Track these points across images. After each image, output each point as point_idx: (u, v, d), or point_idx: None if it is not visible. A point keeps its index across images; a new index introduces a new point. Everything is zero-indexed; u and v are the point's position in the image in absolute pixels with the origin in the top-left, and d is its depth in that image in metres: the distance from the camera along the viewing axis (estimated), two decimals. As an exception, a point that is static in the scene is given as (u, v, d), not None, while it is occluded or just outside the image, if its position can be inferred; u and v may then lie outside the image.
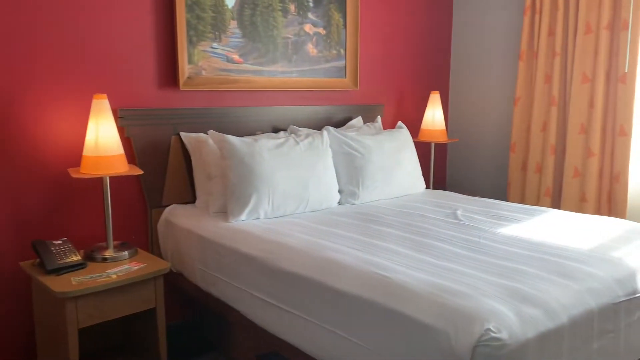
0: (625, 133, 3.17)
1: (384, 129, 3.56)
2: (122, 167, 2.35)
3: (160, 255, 2.73)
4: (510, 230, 2.33)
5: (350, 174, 2.94)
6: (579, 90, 3.34)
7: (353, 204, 2.91)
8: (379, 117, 3.51)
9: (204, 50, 2.91)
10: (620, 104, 3.19)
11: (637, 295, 1.80)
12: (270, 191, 2.56)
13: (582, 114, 3.35)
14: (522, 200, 3.69)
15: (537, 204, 3.58)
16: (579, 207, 3.37)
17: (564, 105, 3.48)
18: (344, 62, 3.52)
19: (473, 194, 3.88)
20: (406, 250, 2.02)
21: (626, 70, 3.15)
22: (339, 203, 2.90)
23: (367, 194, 2.95)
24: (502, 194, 3.89)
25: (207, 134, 2.82)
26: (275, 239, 2.22)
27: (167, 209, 2.78)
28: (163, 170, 2.82)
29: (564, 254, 1.96)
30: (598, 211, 3.33)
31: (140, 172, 2.43)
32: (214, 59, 2.95)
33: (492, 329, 1.40)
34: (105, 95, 2.32)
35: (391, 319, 1.60)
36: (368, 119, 3.62)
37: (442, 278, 1.71)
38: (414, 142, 3.34)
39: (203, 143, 2.75)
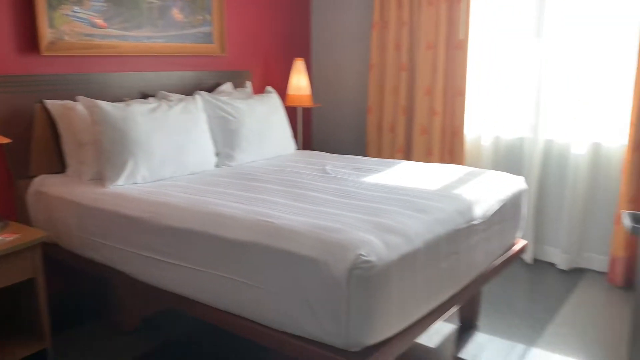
0: (462, 94, 3.67)
1: (254, 94, 3.71)
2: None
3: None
4: (372, 179, 2.65)
5: (226, 137, 3.06)
6: (424, 56, 3.78)
7: (230, 166, 3.04)
8: (248, 82, 3.65)
9: (66, 14, 2.80)
10: (457, 68, 3.68)
11: (473, 222, 2.20)
12: (146, 156, 2.60)
13: (426, 78, 3.80)
14: (379, 156, 4.10)
15: (391, 159, 4.00)
16: (427, 160, 3.85)
17: (412, 70, 3.90)
18: (210, 28, 3.58)
19: (337, 152, 4.22)
20: (285, 201, 2.23)
21: (461, 38, 3.62)
22: (216, 165, 3.02)
23: (243, 156, 3.10)
24: (362, 152, 4.27)
25: (74, 100, 2.74)
26: (158, 199, 2.30)
27: (37, 179, 2.69)
28: (27, 140, 2.70)
29: (416, 194, 2.31)
30: (442, 162, 3.83)
31: (6, 140, 2.33)
32: (76, 23, 2.86)
33: (363, 254, 1.66)
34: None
35: (279, 258, 1.80)
36: (237, 84, 3.73)
37: (319, 219, 1.94)
38: (284, 106, 3.54)
39: (71, 110, 2.68)
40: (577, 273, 3.42)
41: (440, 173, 2.75)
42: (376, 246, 1.73)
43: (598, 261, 3.42)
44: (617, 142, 3.27)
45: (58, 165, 2.78)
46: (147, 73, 3.23)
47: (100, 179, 2.59)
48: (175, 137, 2.74)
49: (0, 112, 2.58)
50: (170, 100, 2.94)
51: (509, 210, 2.51)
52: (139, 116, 2.63)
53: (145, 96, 3.17)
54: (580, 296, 3.10)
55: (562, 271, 3.45)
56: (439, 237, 1.98)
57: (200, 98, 3.03)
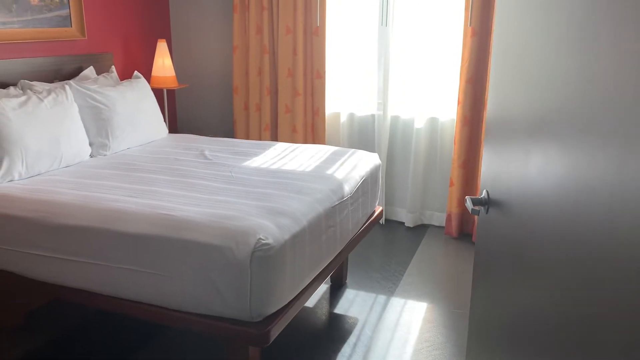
0: (321, 76, 4.03)
1: (120, 79, 3.68)
2: None
3: None
4: (252, 163, 2.91)
5: (99, 126, 3.07)
6: (284, 40, 4.05)
7: (105, 155, 3.07)
8: (113, 67, 3.62)
9: None
10: (315, 53, 4.02)
11: (344, 199, 2.59)
12: (21, 152, 2.56)
13: (288, 61, 4.09)
14: (247, 135, 4.34)
15: (259, 137, 4.27)
16: (292, 137, 4.19)
17: (274, 53, 4.16)
18: (67, 10, 3.46)
19: (205, 134, 4.37)
20: (178, 191, 2.40)
21: (317, 24, 3.95)
22: (91, 155, 3.03)
23: (117, 144, 3.14)
24: (229, 131, 4.47)
25: None
26: (47, 198, 2.32)
27: None
28: None
29: (295, 177, 2.63)
30: (305, 139, 4.19)
31: None
32: None
33: (262, 237, 1.94)
34: None
35: (184, 247, 2.00)
36: (100, 68, 3.67)
37: (216, 208, 2.17)
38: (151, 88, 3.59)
39: None
40: (421, 229, 4.06)
41: (310, 154, 3.09)
42: (271, 229, 2.02)
43: (437, 217, 4.09)
44: (449, 116, 3.90)
45: None
46: (4, 61, 3.07)
47: (-30, 178, 2.50)
48: (49, 131, 2.72)
49: None
50: (41, 92, 2.87)
51: (369, 184, 2.95)
52: (10, 112, 2.57)
53: (5, 86, 3.03)
54: (425, 249, 3.73)
55: (409, 228, 4.07)
56: (319, 215, 2.33)
57: (70, 88, 2.98)
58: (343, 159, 3.00)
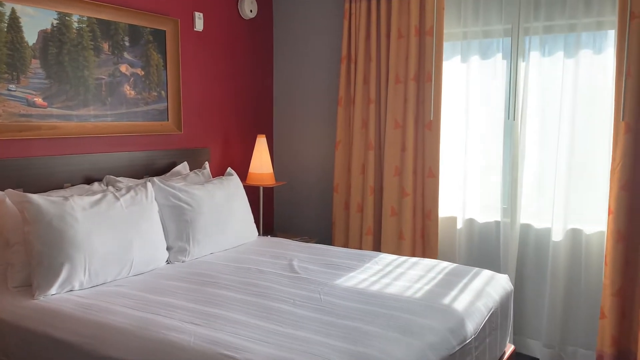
0: (433, 174, 3.49)
1: (213, 175, 3.42)
2: None
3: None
4: (346, 280, 2.37)
5: (180, 228, 2.73)
6: (392, 135, 3.60)
7: (183, 262, 2.70)
8: (206, 163, 3.36)
9: (-2, 93, 2.48)
10: (427, 148, 3.51)
11: (467, 342, 1.93)
12: (86, 258, 2.24)
13: (395, 157, 3.61)
14: (346, 238, 3.84)
15: (360, 242, 3.75)
16: (398, 244, 3.61)
17: (380, 148, 3.72)
18: (165, 104, 3.31)
19: (302, 234, 3.94)
20: (249, 319, 1.90)
21: (431, 118, 3.48)
22: (168, 262, 2.67)
23: (199, 249, 2.77)
24: (327, 233, 4.00)
25: (3, 192, 2.38)
26: (96, 318, 1.93)
27: (-49, 285, 2.27)
28: (-57, 237, 2.30)
29: (401, 307, 2.04)
30: (414, 246, 3.59)
31: None
32: (11, 102, 2.53)
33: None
34: None
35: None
36: (194, 163, 3.44)
37: (290, 350, 1.63)
38: (242, 185, 3.26)
39: (1, 202, 2.31)
40: (562, 369, 3.18)
41: (420, 272, 2.50)
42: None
43: (584, 356, 3.19)
44: (597, 228, 3.13)
45: (-20, 266, 2.37)
46: (93, 155, 2.91)
47: (28, 286, 2.20)
48: (121, 233, 2.40)
49: None
50: (119, 189, 2.61)
51: (498, 317, 2.26)
52: (80, 212, 2.29)
53: (90, 181, 2.84)
54: (570, 400, 2.85)
55: (546, 367, 3.21)
56: (431, 368, 1.70)
57: (151, 185, 2.71)
58: (463, 281, 2.36)
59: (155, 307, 2.02)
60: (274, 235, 3.77)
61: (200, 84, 3.58)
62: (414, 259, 2.71)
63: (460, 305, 2.10)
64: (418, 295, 2.18)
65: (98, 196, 2.44)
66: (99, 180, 2.86)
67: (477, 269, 2.55)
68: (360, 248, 3.71)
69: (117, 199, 2.48)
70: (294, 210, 4.22)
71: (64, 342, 1.86)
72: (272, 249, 2.93)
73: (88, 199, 2.38)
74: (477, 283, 2.35)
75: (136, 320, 1.89)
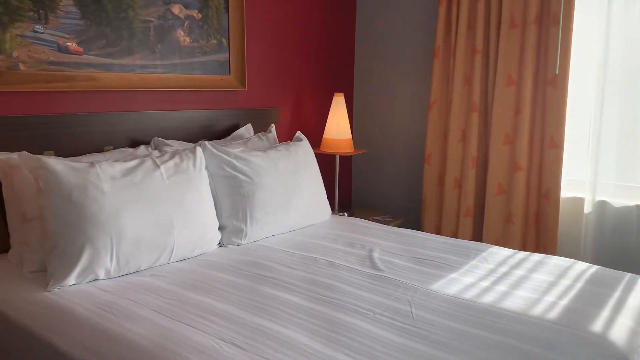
0: (556, 145, 2.74)
1: (280, 140, 2.88)
2: None
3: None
4: (446, 285, 1.75)
5: (235, 204, 2.22)
6: (502, 93, 2.87)
7: (239, 245, 2.19)
8: (273, 125, 2.82)
9: (22, 35, 2.04)
10: (549, 111, 2.76)
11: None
12: (113, 240, 1.77)
13: (506, 122, 2.89)
14: (439, 220, 3.19)
15: (456, 225, 3.09)
16: (504, 229, 2.92)
17: (486, 110, 3.00)
18: (226, 54, 2.78)
19: (384, 212, 3.33)
20: (311, 340, 1.35)
21: (557, 72, 2.71)
22: (220, 244, 2.18)
23: (257, 230, 2.24)
24: (415, 213, 3.37)
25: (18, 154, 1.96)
26: (112, 327, 1.45)
27: (-35, 264, 1.90)
28: (-44, 208, 1.93)
29: (528, 332, 1.40)
30: (525, 233, 2.89)
31: None
32: (37, 47, 2.09)
33: None
34: None
35: None
36: (259, 126, 2.91)
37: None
38: (315, 153, 2.69)
39: (15, 169, 1.89)
40: None
41: (546, 275, 1.83)
42: None
43: None
44: None
45: (4, 240, 1.98)
46: (139, 113, 2.44)
47: (46, 271, 1.77)
48: (160, 210, 1.92)
49: None
50: (163, 154, 2.13)
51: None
52: (107, 182, 1.82)
53: (135, 144, 2.39)
54: None
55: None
56: None
57: (201, 150, 2.20)
58: (615, 294, 1.67)
59: (189, 313, 1.52)
60: (350, 213, 3.19)
61: (268, 31, 3.01)
62: (538, 257, 2.03)
63: (619, 335, 1.43)
64: (552, 315, 1.52)
65: (133, 162, 1.95)
66: (147, 143, 2.41)
67: (629, 275, 1.84)
68: (457, 232, 3.05)
69: (157, 166, 1.99)
70: (376, 183, 3.61)
71: (64, 354, 1.39)
72: (348, 233, 2.35)
73: (120, 166, 1.90)
74: (636, 298, 1.65)
75: (160, 334, 1.39)
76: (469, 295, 1.67)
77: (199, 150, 2.18)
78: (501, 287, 1.74)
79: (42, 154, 2.08)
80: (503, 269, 1.90)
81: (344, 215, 3.11)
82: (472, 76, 2.99)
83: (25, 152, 1.84)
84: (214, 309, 1.54)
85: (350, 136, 3.11)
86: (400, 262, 1.96)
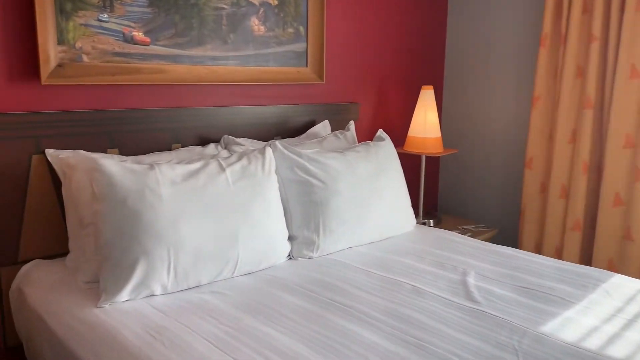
0: (694, 150, 2.27)
1: (359, 139, 2.61)
2: None
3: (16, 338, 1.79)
4: (561, 327, 1.41)
5: (307, 212, 1.97)
6: (624, 87, 2.43)
7: (310, 258, 1.95)
8: (351, 122, 2.55)
9: (86, 25, 1.90)
10: (686, 110, 2.29)
11: None
12: (170, 252, 1.58)
13: (628, 121, 2.44)
14: (540, 233, 2.79)
15: (561, 240, 2.68)
16: (621, 247, 2.48)
17: (602, 107, 2.56)
18: (304, 44, 2.54)
19: (475, 221, 2.97)
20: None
21: (697, 62, 2.23)
22: (289, 256, 1.94)
23: (331, 242, 1.99)
24: (512, 224, 2.98)
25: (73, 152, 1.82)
26: (160, 353, 1.25)
27: (25, 267, 1.80)
28: (19, 207, 1.82)
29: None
30: (648, 254, 2.44)
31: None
32: (102, 37, 1.95)
33: None
34: None
35: None
36: (337, 123, 2.66)
37: None
38: (397, 153, 2.38)
39: (73, 168, 1.76)
40: None
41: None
42: None
43: None
44: None
45: (63, 244, 1.86)
46: (208, 109, 2.26)
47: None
48: (224, 218, 1.71)
49: (-23, 169, 1.72)
50: (230, 154, 1.93)
51: None
52: (167, 186, 1.63)
53: (204, 142, 2.22)
54: None
55: None
56: None
57: (271, 151, 1.97)
58: None
59: (247, 347, 1.29)
60: (437, 221, 2.86)
61: (349, 18, 2.74)
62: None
63: None
64: None
65: (196, 165, 1.76)
66: (216, 141, 2.23)
67: None
68: (562, 249, 2.65)
69: (222, 169, 1.78)
70: (466, 189, 3.25)
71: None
72: (436, 249, 2.04)
73: (181, 169, 1.71)
74: None
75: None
76: (593, 344, 1.32)
77: (268, 151, 1.95)
78: (634, 335, 1.37)
79: (105, 152, 1.95)
80: (633, 308, 1.52)
81: (429, 223, 2.79)
82: (586, 67, 2.55)
83: (81, 151, 1.70)
84: (276, 344, 1.31)
85: (439, 134, 2.77)
86: (502, 292, 1.63)
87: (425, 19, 3.09)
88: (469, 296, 1.61)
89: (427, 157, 2.93)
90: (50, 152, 1.82)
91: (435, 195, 3.36)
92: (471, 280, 1.72)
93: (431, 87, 2.78)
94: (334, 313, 1.49)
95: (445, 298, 1.59)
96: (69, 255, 1.80)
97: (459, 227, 2.80)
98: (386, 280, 1.73)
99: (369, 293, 1.63)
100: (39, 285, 1.69)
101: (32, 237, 1.85)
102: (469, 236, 2.55)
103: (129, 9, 2.00)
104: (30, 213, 1.84)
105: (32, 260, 1.84)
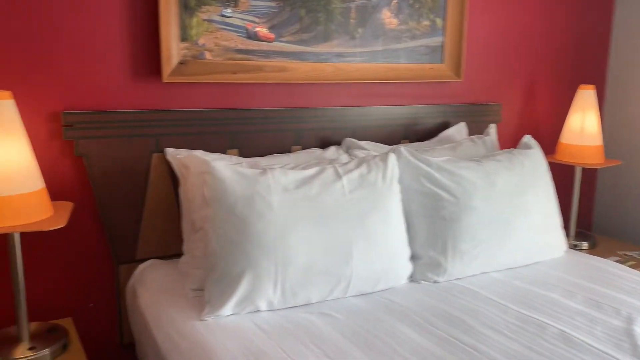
0: None
1: (501, 145, 2.29)
2: (36, 214, 1.40)
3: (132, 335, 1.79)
4: None
5: (434, 230, 1.73)
6: None
7: (436, 282, 1.70)
8: (492, 126, 2.24)
9: (209, 20, 1.84)
10: None
11: None
12: (278, 266, 1.45)
13: None
14: None
15: None
16: None
17: None
18: (440, 38, 2.28)
19: (639, 248, 2.49)
20: None
21: None
22: (411, 279, 1.72)
23: (461, 266, 1.72)
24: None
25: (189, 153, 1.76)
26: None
27: (141, 267, 1.79)
28: (138, 205, 1.82)
29: None
30: None
31: (59, 224, 1.43)
32: (225, 33, 1.88)
33: None
34: (8, 93, 1.37)
35: None
36: (475, 126, 2.36)
37: None
38: (547, 162, 2.03)
39: (189, 170, 1.70)
40: None
41: None
42: None
43: None
44: None
45: (179, 244, 1.83)
46: (333, 109, 2.11)
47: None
48: (338, 231, 1.54)
49: (100, 165, 1.74)
50: (350, 160, 1.76)
51: None
52: (278, 193, 1.50)
53: (326, 144, 2.07)
54: None
55: None
56: None
57: (394, 158, 1.75)
58: None
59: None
60: (591, 244, 2.43)
61: (494, 10, 2.42)
62: None
63: None
64: None
65: (311, 171, 1.61)
66: (338, 144, 2.07)
67: None
68: None
69: (339, 176, 1.61)
70: (628, 206, 2.74)
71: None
72: (591, 283, 1.68)
73: (294, 175, 1.57)
74: None
75: None
76: None
77: (392, 158, 1.73)
78: None
79: (225, 152, 1.89)
80: None
81: (581, 247, 2.38)
82: None
83: (196, 151, 1.63)
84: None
85: (600, 142, 2.35)
86: (684, 353, 1.26)
87: (584, 7, 2.65)
88: (635, 352, 1.26)
89: (583, 169, 2.51)
90: (169, 152, 1.79)
91: (589, 213, 2.89)
92: (638, 329, 1.36)
93: (592, 86, 2.36)
94: (457, 357, 1.24)
95: (603, 351, 1.26)
96: (182, 258, 1.75)
97: (619, 253, 2.35)
98: (526, 319, 1.43)
99: (503, 335, 1.35)
100: (150, 286, 1.66)
101: (150, 236, 1.84)
102: (631, 265, 2.12)
103: (253, 3, 1.91)
104: (149, 211, 1.83)
105: (148, 259, 1.82)
